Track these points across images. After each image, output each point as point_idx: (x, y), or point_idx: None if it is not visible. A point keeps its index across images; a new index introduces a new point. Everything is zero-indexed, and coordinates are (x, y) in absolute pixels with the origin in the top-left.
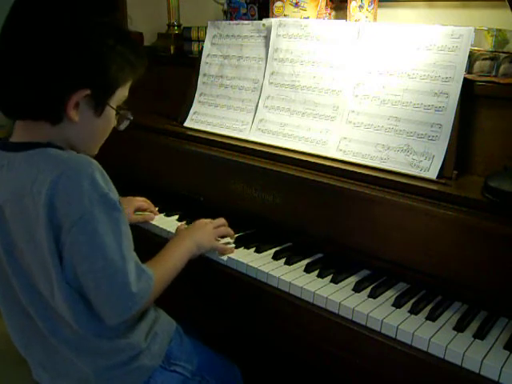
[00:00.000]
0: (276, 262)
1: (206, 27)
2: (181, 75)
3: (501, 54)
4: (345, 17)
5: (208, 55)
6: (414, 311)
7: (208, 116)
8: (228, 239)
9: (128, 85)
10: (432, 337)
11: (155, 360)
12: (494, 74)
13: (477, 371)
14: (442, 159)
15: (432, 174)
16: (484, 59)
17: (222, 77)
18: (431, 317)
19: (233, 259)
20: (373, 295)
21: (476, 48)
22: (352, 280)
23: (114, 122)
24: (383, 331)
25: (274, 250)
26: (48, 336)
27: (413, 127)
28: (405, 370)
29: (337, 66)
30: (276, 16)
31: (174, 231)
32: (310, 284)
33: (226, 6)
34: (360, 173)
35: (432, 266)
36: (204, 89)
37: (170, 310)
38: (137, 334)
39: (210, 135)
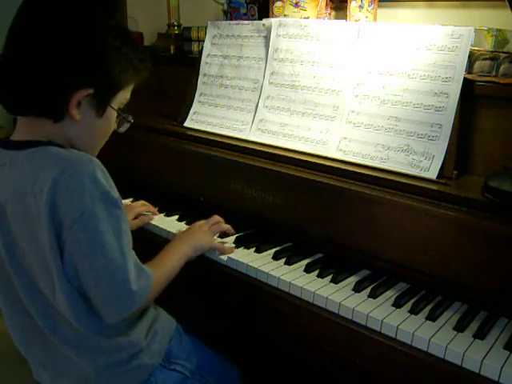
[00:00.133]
0: (276, 262)
1: (205, 27)
2: (181, 75)
3: (501, 54)
4: (345, 17)
5: (208, 55)
6: (414, 311)
7: (208, 116)
8: (228, 239)
9: (130, 87)
10: (432, 337)
11: (155, 358)
12: (494, 74)
13: (477, 371)
14: (441, 159)
15: (432, 174)
16: (484, 59)
17: (222, 77)
18: (431, 317)
19: (233, 259)
20: (373, 295)
21: (476, 48)
22: (352, 280)
23: (114, 124)
24: (383, 331)
25: (273, 250)
26: (48, 335)
27: (413, 127)
28: (405, 370)
29: (337, 66)
30: (276, 16)
31: (174, 231)
32: (310, 284)
33: (226, 6)
34: (360, 173)
35: (432, 265)
36: (204, 89)
37: (170, 310)
38: (137, 332)
39: (209, 135)
